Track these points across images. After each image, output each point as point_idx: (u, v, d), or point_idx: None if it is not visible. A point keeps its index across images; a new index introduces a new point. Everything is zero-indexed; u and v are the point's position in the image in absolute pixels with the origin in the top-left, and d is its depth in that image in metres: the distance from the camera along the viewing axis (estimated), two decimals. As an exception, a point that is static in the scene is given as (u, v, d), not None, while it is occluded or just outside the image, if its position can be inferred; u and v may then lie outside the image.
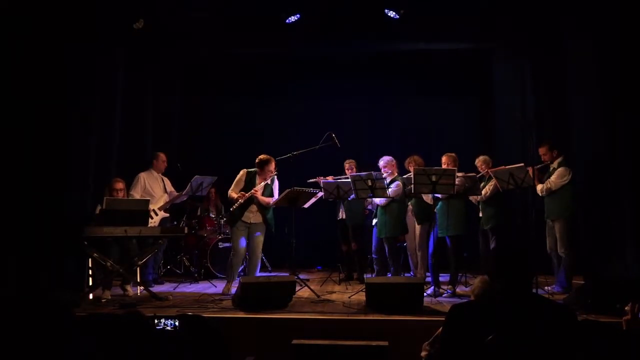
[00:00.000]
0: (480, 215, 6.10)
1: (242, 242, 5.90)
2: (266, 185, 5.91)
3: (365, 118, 8.42)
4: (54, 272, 5.28)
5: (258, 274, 6.06)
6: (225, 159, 7.81)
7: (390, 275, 5.92)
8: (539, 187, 5.83)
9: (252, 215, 5.88)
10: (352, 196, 5.97)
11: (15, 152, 5.32)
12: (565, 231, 5.71)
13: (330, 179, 6.40)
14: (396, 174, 6.11)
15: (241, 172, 5.97)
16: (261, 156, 5.89)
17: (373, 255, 6.32)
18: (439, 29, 7.14)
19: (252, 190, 5.78)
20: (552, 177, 5.79)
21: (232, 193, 5.90)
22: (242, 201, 5.77)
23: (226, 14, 7.05)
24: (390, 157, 6.16)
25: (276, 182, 6.03)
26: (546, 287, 5.75)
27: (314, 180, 6.66)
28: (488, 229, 6.00)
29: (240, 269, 6.79)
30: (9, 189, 5.25)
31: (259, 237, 5.94)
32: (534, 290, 4.92)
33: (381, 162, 6.13)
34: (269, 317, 4.57)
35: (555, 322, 2.16)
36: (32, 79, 5.42)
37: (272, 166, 5.89)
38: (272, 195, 5.95)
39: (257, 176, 5.90)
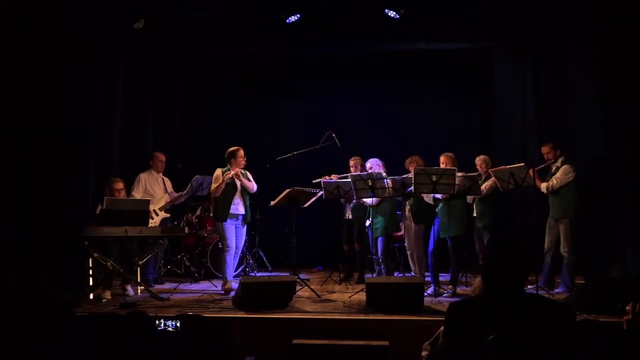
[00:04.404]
0: (475, 214, 6.08)
1: (233, 238, 5.99)
2: (243, 174, 6.02)
3: (366, 118, 8.40)
4: (54, 272, 5.28)
5: (258, 273, 6.06)
6: (225, 159, 7.80)
7: (385, 274, 5.91)
8: (543, 185, 5.79)
9: (239, 205, 5.98)
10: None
11: (15, 152, 5.33)
12: (570, 230, 5.65)
13: (334, 177, 6.38)
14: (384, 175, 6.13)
15: (217, 171, 6.07)
16: (229, 149, 6.03)
17: (373, 257, 6.31)
18: (439, 28, 7.13)
19: (232, 171, 5.88)
20: (558, 174, 5.73)
21: (214, 187, 5.99)
22: (228, 177, 5.85)
23: (226, 14, 7.04)
24: (377, 159, 6.18)
25: (248, 174, 6.15)
26: (555, 289, 5.75)
27: (319, 180, 6.63)
28: (482, 227, 5.98)
29: (240, 269, 6.81)
30: (9, 189, 5.26)
31: (244, 232, 6.12)
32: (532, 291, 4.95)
33: (367, 164, 6.15)
34: (269, 317, 4.56)
35: (553, 321, 2.16)
36: (33, 78, 5.43)
37: (242, 153, 6.03)
38: (250, 181, 6.08)
39: (232, 168, 6.00)
